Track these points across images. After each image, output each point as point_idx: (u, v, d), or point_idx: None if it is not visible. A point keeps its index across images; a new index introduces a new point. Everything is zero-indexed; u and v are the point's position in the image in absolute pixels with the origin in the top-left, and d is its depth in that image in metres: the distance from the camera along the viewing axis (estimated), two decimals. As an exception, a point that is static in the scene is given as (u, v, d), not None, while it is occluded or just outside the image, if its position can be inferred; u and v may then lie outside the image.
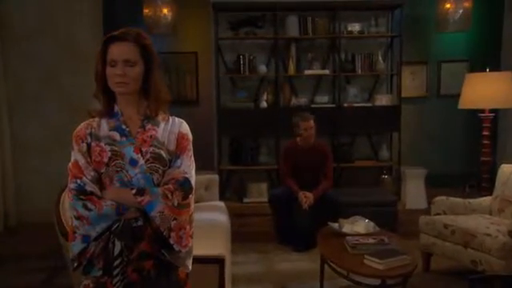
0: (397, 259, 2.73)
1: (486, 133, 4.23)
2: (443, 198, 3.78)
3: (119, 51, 1.55)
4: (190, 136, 1.68)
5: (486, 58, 5.48)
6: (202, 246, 2.63)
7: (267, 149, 5.45)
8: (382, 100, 5.33)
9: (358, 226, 3.29)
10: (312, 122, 4.29)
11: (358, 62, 5.33)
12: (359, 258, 2.79)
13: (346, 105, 5.30)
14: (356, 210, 3.87)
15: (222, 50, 5.38)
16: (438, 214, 3.70)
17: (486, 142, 4.24)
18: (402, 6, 5.21)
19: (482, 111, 4.22)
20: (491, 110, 4.21)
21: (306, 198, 4.15)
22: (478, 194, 3.99)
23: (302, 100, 5.33)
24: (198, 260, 2.21)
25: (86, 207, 1.50)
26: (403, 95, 5.42)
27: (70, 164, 1.58)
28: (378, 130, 5.49)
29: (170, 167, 1.60)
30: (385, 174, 5.41)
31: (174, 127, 1.65)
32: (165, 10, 5.05)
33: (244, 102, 5.32)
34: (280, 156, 4.54)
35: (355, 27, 5.29)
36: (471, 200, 3.75)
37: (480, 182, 4.26)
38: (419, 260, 3.62)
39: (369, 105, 5.37)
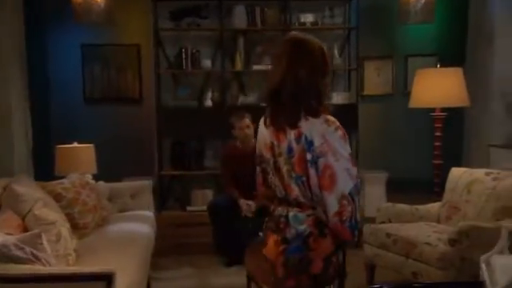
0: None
1: (437, 133, 4.24)
2: (389, 204, 3.80)
3: None
4: None
5: (455, 52, 5.56)
6: (97, 262, 2.61)
7: (213, 152, 5.41)
8: (338, 98, 5.33)
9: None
10: (247, 121, 4.26)
11: (312, 56, 5.32)
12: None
13: (298, 103, 5.29)
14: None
15: (163, 43, 5.35)
16: (383, 222, 3.72)
17: (437, 143, 4.25)
18: (359, -5, 5.23)
19: (433, 110, 4.26)
20: (444, 109, 4.25)
21: (248, 205, 4.15)
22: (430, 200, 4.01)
23: (251, 98, 5.32)
24: (82, 278, 2.20)
25: None
26: (367, 92, 5.43)
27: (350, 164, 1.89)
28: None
29: None
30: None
31: None
32: (96, -4, 4.98)
33: (186, 100, 5.28)
34: (220, 161, 4.51)
35: (308, 18, 5.27)
36: (419, 207, 3.76)
37: (432, 187, 4.29)
38: (363, 272, 3.66)
39: (324, 103, 5.36)
